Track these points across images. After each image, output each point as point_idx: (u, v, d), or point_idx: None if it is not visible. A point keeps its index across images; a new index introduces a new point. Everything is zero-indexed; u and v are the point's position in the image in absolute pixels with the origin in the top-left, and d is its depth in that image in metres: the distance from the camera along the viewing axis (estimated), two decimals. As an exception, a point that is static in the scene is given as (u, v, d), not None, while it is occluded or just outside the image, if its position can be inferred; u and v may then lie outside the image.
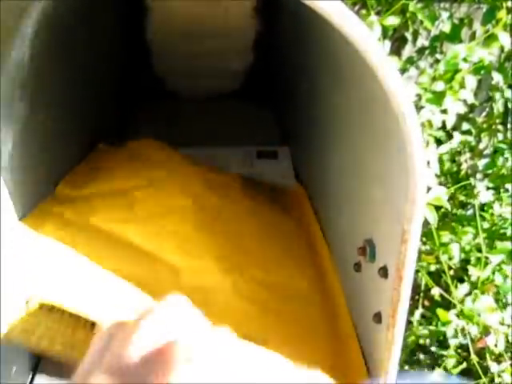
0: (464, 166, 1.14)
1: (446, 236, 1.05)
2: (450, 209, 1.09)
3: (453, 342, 0.85)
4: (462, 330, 0.89)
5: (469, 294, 0.97)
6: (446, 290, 1.00)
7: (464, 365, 0.85)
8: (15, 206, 0.43)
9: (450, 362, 0.84)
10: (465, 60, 0.76)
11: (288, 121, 0.78)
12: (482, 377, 0.81)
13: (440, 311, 0.85)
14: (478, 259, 1.04)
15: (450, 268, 1.04)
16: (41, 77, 0.47)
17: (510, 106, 1.04)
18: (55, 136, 0.53)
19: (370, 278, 0.41)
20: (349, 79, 0.43)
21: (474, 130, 1.08)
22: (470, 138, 1.00)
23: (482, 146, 1.11)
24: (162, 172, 0.57)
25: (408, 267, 0.33)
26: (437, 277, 1.05)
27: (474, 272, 1.01)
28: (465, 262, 1.08)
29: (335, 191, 0.53)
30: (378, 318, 0.39)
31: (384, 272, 0.37)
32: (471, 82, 0.79)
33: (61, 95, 0.54)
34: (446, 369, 0.85)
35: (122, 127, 0.87)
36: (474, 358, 0.80)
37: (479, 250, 1.04)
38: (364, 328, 0.43)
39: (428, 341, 1.03)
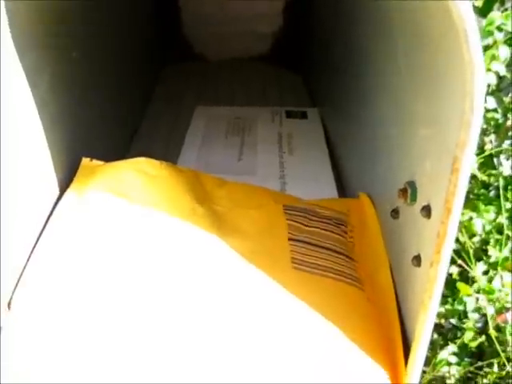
0: (488, 147, 1.12)
1: (467, 214, 1.03)
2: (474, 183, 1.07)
3: (472, 316, 0.83)
4: (479, 309, 0.88)
5: (487, 272, 0.95)
6: (465, 269, 0.98)
7: (483, 338, 0.83)
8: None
9: (469, 336, 0.83)
10: (499, 29, 0.74)
11: (319, 84, 0.77)
12: (500, 352, 0.79)
13: (461, 285, 0.84)
14: (498, 241, 1.02)
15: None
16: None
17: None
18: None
19: (410, 221, 0.39)
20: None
21: (500, 110, 1.05)
22: (497, 115, 0.98)
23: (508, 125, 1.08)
24: None
25: (458, 199, 0.31)
26: (455, 256, 1.03)
27: (493, 253, 0.99)
28: (484, 242, 1.06)
29: (371, 143, 0.51)
30: (417, 260, 0.37)
31: (427, 211, 0.35)
32: (505, 52, 0.76)
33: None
34: (463, 344, 0.84)
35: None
36: (493, 333, 0.79)
37: (499, 232, 1.02)
38: (401, 273, 0.42)
39: (443, 320, 1.01)
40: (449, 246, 0.32)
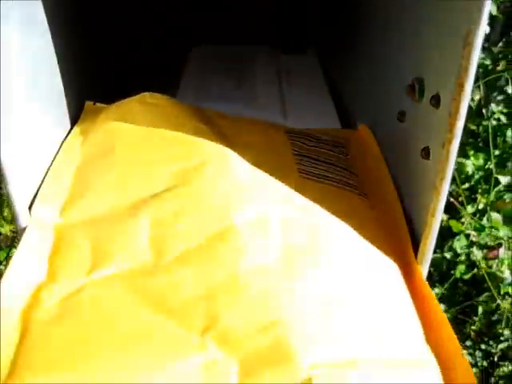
0: (477, 97, 1.12)
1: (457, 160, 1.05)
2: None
3: (464, 251, 0.85)
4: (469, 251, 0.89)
5: (476, 213, 0.96)
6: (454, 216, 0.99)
7: (475, 270, 0.84)
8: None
9: (461, 268, 0.84)
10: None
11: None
12: (490, 285, 0.81)
13: (452, 222, 0.85)
14: (486, 189, 1.03)
15: (458, 195, 1.04)
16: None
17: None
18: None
19: (418, 117, 0.40)
20: None
21: (489, 60, 1.06)
22: (487, 62, 0.99)
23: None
24: None
25: (470, 74, 0.31)
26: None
27: (482, 200, 1.00)
28: (472, 191, 1.08)
29: (369, 61, 0.52)
30: (426, 152, 0.38)
31: (436, 100, 0.36)
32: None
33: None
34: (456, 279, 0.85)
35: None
36: (484, 268, 0.80)
37: (487, 181, 1.04)
38: (408, 171, 0.42)
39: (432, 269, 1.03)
40: (460, 125, 0.33)
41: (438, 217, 0.36)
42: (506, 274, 0.84)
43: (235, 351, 0.32)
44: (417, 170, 0.39)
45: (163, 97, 0.49)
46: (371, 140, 0.49)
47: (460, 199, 1.02)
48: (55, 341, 0.32)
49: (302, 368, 0.31)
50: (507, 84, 1.09)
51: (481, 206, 1.00)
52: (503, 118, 0.98)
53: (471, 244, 0.91)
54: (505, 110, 1.05)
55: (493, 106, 0.99)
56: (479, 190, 1.06)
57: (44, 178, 0.41)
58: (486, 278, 0.81)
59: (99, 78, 0.59)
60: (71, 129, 0.47)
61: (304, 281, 0.36)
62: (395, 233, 0.41)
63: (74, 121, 0.48)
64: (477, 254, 0.87)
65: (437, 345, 0.35)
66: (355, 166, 0.48)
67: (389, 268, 0.39)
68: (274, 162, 0.44)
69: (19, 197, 0.37)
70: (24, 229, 0.38)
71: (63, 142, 0.46)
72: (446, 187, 0.34)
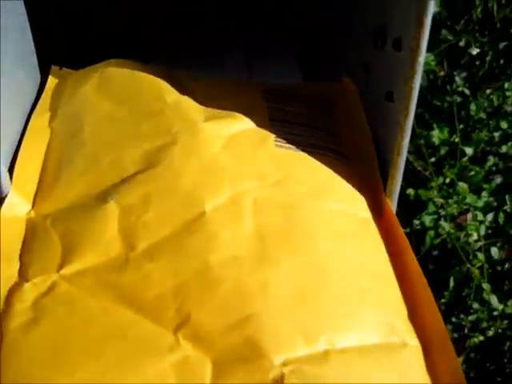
0: (442, 73, 1.15)
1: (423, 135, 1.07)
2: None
3: (433, 217, 0.87)
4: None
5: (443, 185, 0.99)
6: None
7: (444, 236, 0.86)
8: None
9: (431, 234, 0.86)
10: None
11: None
12: (459, 250, 0.83)
13: (421, 191, 0.87)
14: (452, 164, 1.05)
15: (425, 170, 1.06)
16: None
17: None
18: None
19: (382, 65, 0.41)
20: None
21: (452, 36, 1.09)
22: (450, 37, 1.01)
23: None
24: None
25: (429, 9, 0.33)
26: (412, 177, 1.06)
27: (448, 174, 1.03)
28: (439, 166, 1.10)
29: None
30: (390, 95, 0.39)
31: (398, 44, 0.37)
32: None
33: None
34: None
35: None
36: (454, 233, 0.82)
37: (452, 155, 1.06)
38: (376, 117, 0.43)
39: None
40: (421, 61, 0.34)
41: (403, 154, 0.37)
42: (474, 236, 0.86)
43: (208, 349, 0.31)
44: (382, 113, 0.40)
45: (131, 62, 0.47)
46: (355, 94, 0.47)
47: (427, 173, 1.05)
48: (30, 347, 0.30)
49: (273, 366, 0.30)
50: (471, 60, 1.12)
51: (447, 180, 1.02)
52: (467, 91, 1.01)
53: (439, 217, 0.93)
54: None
55: (457, 80, 1.02)
56: (446, 165, 1.09)
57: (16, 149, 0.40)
58: (455, 243, 0.83)
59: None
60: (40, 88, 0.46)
61: (278, 270, 0.34)
62: (371, 185, 0.41)
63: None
64: (445, 225, 0.89)
65: (412, 295, 0.35)
66: (338, 122, 0.46)
67: (365, 227, 0.38)
68: (249, 131, 0.42)
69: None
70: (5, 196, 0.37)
71: (32, 112, 0.44)
72: (409, 124, 0.35)
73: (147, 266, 0.34)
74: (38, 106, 0.44)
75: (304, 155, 0.41)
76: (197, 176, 0.38)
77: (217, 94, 0.45)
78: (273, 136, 0.42)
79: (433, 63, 1.02)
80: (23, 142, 0.41)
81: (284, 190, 0.38)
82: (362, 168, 0.42)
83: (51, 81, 0.47)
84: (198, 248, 0.35)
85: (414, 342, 0.33)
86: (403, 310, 0.35)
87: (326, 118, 0.46)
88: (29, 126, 0.42)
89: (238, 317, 0.32)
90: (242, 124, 0.42)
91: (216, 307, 0.32)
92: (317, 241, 0.36)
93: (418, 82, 0.34)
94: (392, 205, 0.39)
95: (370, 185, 0.40)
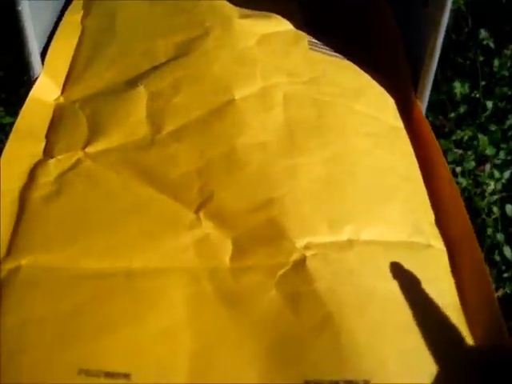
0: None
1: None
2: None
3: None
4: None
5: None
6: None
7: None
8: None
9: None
10: None
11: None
12: (475, 201, 0.81)
13: (442, 140, 0.85)
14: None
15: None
16: None
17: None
18: None
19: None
20: None
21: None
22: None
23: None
24: None
25: None
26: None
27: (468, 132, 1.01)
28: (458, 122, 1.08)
29: None
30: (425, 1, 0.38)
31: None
32: None
33: None
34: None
35: None
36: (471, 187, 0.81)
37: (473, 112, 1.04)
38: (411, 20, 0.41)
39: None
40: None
41: (435, 56, 0.36)
42: (491, 186, 0.85)
43: (229, 229, 0.30)
44: (417, 19, 0.39)
45: None
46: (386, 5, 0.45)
47: (446, 129, 1.03)
48: (52, 218, 0.30)
49: (295, 248, 0.29)
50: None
51: (466, 137, 1.00)
52: (492, 45, 0.98)
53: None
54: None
55: (482, 32, 0.99)
56: (466, 122, 1.07)
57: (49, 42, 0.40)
58: (472, 195, 0.82)
59: None
60: None
61: (307, 158, 0.33)
62: (402, 88, 0.40)
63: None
64: (462, 180, 0.88)
65: (440, 199, 0.34)
66: (371, 33, 0.45)
67: (394, 132, 0.37)
68: (284, 32, 0.41)
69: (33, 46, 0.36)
70: (36, 79, 0.37)
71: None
72: (442, 27, 0.34)
73: (173, 146, 0.33)
74: (71, 5, 0.44)
75: (336, 60, 0.40)
76: (228, 65, 0.37)
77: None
78: (307, 38, 0.41)
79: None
80: (55, 35, 0.40)
81: (315, 88, 0.37)
82: (394, 73, 0.40)
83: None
84: (226, 132, 0.34)
85: (439, 244, 0.32)
86: (430, 214, 0.33)
87: (359, 27, 0.45)
88: (61, 22, 0.42)
89: (261, 199, 0.31)
90: (277, 25, 0.41)
91: (240, 188, 0.32)
92: (347, 137, 0.35)
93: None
94: (422, 106, 0.38)
95: (402, 88, 0.39)
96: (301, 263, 0.29)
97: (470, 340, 0.28)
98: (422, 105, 0.38)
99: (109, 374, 0.24)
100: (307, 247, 0.29)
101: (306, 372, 0.25)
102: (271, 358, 0.26)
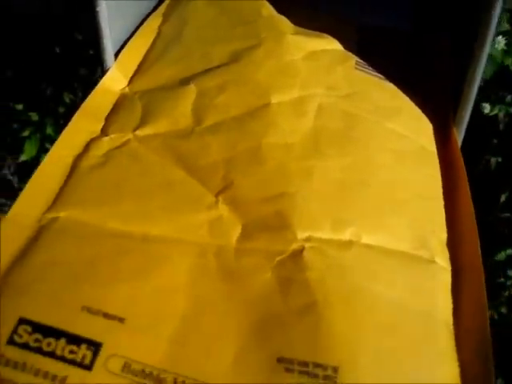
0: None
1: None
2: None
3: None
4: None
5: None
6: None
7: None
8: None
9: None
10: None
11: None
12: None
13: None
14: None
15: None
16: None
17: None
18: None
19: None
20: None
21: None
22: None
23: None
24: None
25: None
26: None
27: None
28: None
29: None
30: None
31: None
32: None
33: None
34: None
35: None
36: None
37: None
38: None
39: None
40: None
41: (475, 86, 0.37)
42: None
43: (241, 214, 0.33)
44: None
45: None
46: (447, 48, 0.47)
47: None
48: (93, 184, 0.34)
49: (296, 238, 0.31)
50: None
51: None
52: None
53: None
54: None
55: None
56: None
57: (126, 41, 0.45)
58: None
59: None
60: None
61: (324, 163, 0.35)
62: (441, 114, 0.41)
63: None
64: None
65: (457, 226, 0.34)
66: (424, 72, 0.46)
67: (423, 153, 0.38)
68: (333, 51, 0.44)
69: (109, 44, 0.41)
70: (107, 69, 0.42)
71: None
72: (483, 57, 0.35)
73: (208, 137, 0.37)
74: (154, 13, 0.49)
75: (379, 80, 0.42)
76: (271, 74, 0.40)
77: (311, 19, 0.47)
78: (355, 59, 0.43)
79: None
80: (134, 36, 0.45)
81: (350, 103, 0.39)
82: (436, 100, 0.42)
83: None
84: (256, 131, 0.37)
85: (444, 263, 0.33)
86: (442, 233, 0.34)
87: (414, 57, 0.47)
88: (142, 26, 0.47)
89: (274, 192, 0.34)
90: (327, 44, 0.44)
91: (257, 180, 0.34)
92: (369, 149, 0.37)
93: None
94: (459, 135, 0.39)
95: (441, 115, 0.41)
96: (298, 253, 0.31)
97: (453, 362, 0.28)
98: (459, 132, 0.39)
99: (107, 315, 0.28)
100: (308, 239, 0.32)
101: (281, 349, 0.27)
102: (252, 332, 0.28)
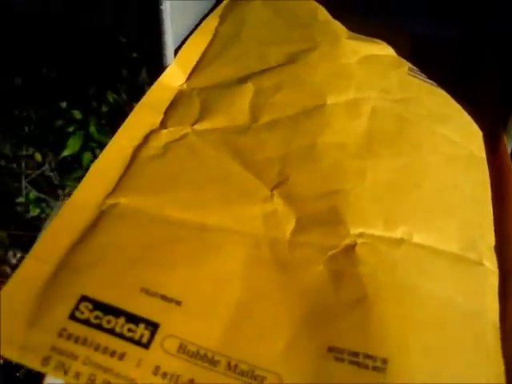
0: None
1: None
2: None
3: None
4: None
5: None
6: None
7: None
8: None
9: None
10: None
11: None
12: None
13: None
14: None
15: None
16: None
17: None
18: None
19: None
20: None
21: None
22: None
23: None
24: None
25: None
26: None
27: None
28: None
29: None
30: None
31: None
32: None
33: None
34: None
35: None
36: None
37: None
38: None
39: None
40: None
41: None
42: None
43: (296, 208, 0.33)
44: None
45: None
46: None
47: None
48: (152, 173, 0.35)
49: (349, 234, 0.32)
50: None
51: None
52: None
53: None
54: None
55: None
56: None
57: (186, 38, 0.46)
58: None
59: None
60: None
61: (377, 162, 0.36)
62: (491, 122, 0.41)
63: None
64: None
65: (505, 231, 0.34)
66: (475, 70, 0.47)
67: (473, 159, 0.39)
68: (387, 56, 0.45)
69: (170, 40, 0.43)
70: (166, 66, 0.43)
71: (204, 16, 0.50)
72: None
73: (264, 134, 0.38)
74: (212, 14, 0.51)
75: (431, 87, 0.43)
76: (327, 76, 0.41)
77: (366, 27, 0.48)
78: (408, 65, 0.44)
79: None
80: (192, 35, 0.47)
81: (403, 107, 0.40)
82: (485, 107, 0.42)
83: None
84: (311, 130, 0.38)
85: (492, 266, 0.33)
86: (490, 238, 0.35)
87: (461, 73, 0.48)
88: (200, 26, 0.48)
89: (329, 189, 0.35)
90: (381, 49, 0.45)
91: (313, 176, 0.35)
92: (421, 152, 0.37)
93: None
94: (508, 143, 0.39)
95: (491, 122, 0.41)
96: (351, 247, 0.32)
97: (499, 363, 0.29)
98: (509, 140, 0.39)
99: (164, 297, 0.29)
100: (360, 235, 0.32)
101: (332, 339, 0.28)
102: (304, 321, 0.29)
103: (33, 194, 1.02)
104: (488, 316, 0.30)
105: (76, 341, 0.26)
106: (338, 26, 0.46)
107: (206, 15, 0.50)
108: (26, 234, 0.99)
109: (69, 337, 0.26)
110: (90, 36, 1.02)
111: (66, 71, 1.08)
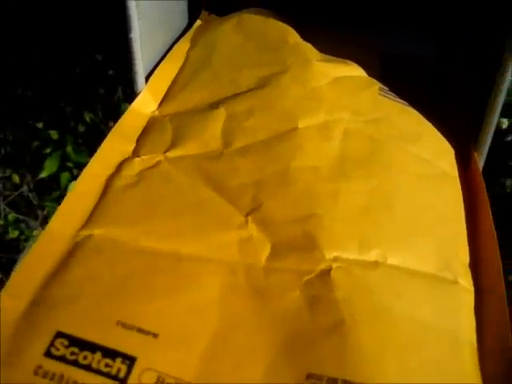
0: None
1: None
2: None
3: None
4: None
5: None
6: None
7: None
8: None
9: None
10: None
11: None
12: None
13: None
14: None
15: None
16: None
17: None
18: None
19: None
20: None
21: None
22: None
23: None
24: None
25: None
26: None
27: None
28: None
29: None
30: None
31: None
32: None
33: None
34: None
35: None
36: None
37: None
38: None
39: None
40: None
41: (496, 111, 0.38)
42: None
43: (271, 234, 0.34)
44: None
45: (266, 11, 0.53)
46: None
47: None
48: (126, 203, 0.35)
49: (324, 258, 0.32)
50: None
51: None
52: None
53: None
54: None
55: None
56: None
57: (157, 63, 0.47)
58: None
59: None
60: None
61: (350, 185, 0.37)
62: (462, 139, 0.42)
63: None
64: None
65: (479, 248, 0.35)
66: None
67: (445, 177, 0.39)
68: (357, 77, 0.46)
69: (141, 68, 0.43)
70: (139, 93, 0.44)
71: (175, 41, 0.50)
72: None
73: (237, 160, 0.38)
74: (182, 38, 0.51)
75: (402, 107, 0.44)
76: (298, 99, 0.42)
77: (336, 47, 0.49)
78: (378, 85, 0.45)
79: None
80: (163, 61, 0.47)
81: (375, 127, 0.40)
82: (457, 125, 0.43)
83: (198, 22, 0.54)
84: (284, 154, 0.38)
85: (467, 284, 0.34)
86: (464, 255, 0.35)
87: (433, 92, 0.49)
88: (170, 51, 0.49)
89: (303, 213, 0.35)
90: (352, 71, 0.46)
91: (286, 202, 0.36)
92: (393, 173, 0.38)
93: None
94: (480, 160, 0.40)
95: (462, 139, 0.42)
96: (326, 272, 0.32)
97: (477, 381, 0.29)
98: (480, 157, 0.40)
99: (141, 330, 0.28)
100: (335, 259, 0.32)
101: (310, 366, 0.28)
102: (282, 349, 0.29)
103: (11, 216, 1.01)
104: (464, 335, 0.31)
105: (52, 378, 0.26)
106: (308, 48, 0.47)
107: (177, 39, 0.50)
108: (5, 256, 0.98)
109: (45, 375, 0.26)
110: (65, 54, 1.02)
111: (41, 90, 1.08)
